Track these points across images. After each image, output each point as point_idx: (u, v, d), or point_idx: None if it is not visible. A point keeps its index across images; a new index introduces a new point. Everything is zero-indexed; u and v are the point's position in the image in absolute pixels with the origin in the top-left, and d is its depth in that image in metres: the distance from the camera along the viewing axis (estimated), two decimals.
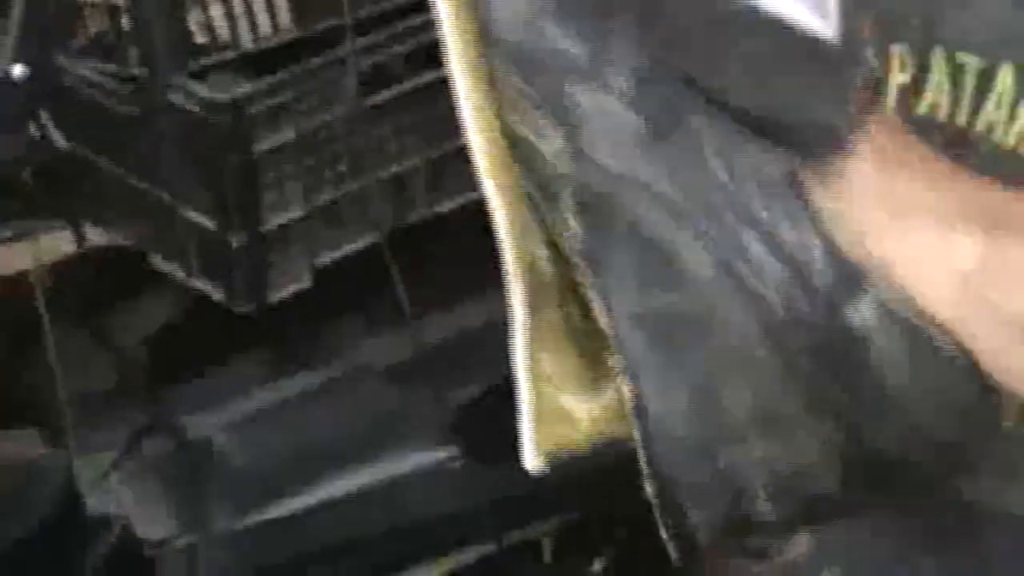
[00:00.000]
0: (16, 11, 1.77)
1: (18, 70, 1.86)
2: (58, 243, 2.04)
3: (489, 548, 2.07)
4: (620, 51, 1.18)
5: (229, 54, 1.87)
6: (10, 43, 1.78)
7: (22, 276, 2.03)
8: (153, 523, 1.96)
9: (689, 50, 1.17)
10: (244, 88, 1.79)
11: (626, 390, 1.18)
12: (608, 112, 1.19)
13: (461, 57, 1.17)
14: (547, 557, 2.12)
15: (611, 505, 2.09)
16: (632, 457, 1.31)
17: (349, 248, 1.88)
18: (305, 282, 1.87)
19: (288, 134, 1.80)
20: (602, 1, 1.17)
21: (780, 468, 1.22)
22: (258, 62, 1.85)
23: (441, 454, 1.98)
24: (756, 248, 1.16)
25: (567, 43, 1.17)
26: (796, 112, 1.16)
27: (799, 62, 1.13)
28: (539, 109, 1.16)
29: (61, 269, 2.07)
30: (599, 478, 1.78)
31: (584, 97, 1.18)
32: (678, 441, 1.19)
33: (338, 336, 2.09)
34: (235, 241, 1.83)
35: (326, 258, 1.87)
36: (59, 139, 1.93)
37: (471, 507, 2.04)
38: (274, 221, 1.83)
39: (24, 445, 1.93)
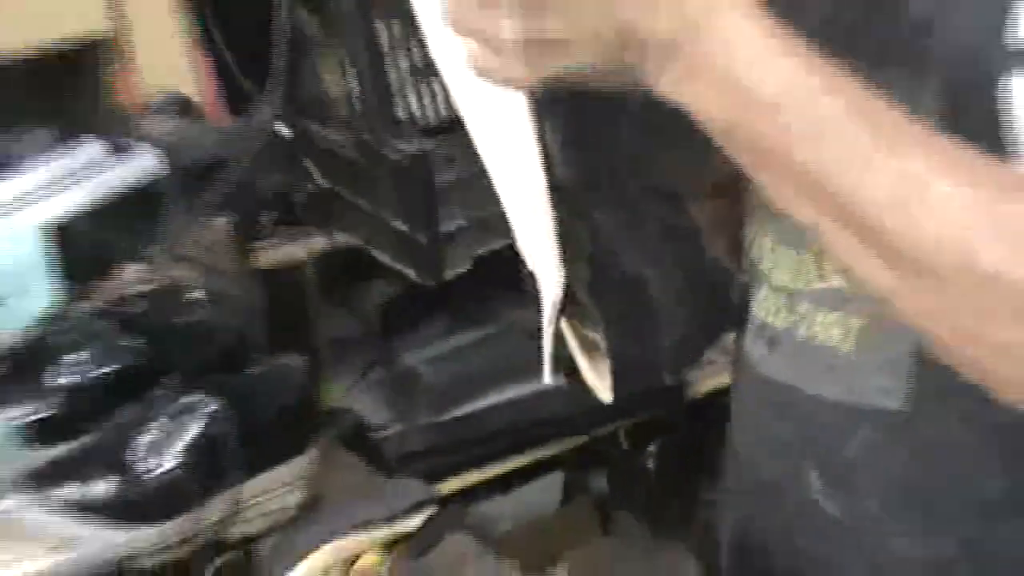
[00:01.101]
0: (278, 90, 2.10)
1: (285, 131, 2.26)
2: (318, 243, 2.46)
3: (583, 438, 2.59)
4: None
5: (418, 125, 2.31)
6: (268, 114, 2.10)
7: (297, 264, 2.45)
8: (376, 417, 2.46)
9: None
10: (427, 146, 2.28)
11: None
12: None
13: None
14: (624, 444, 2.59)
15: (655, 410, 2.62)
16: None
17: (495, 245, 2.34)
18: (466, 267, 2.35)
19: (453, 175, 2.29)
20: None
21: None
22: (436, 131, 2.30)
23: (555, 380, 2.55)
24: None
25: None
26: None
27: None
28: None
29: (319, 259, 2.49)
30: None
31: None
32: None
33: (493, 303, 2.53)
34: (422, 239, 2.32)
35: (481, 251, 2.35)
36: (317, 177, 2.40)
37: (572, 412, 2.52)
38: (446, 227, 2.32)
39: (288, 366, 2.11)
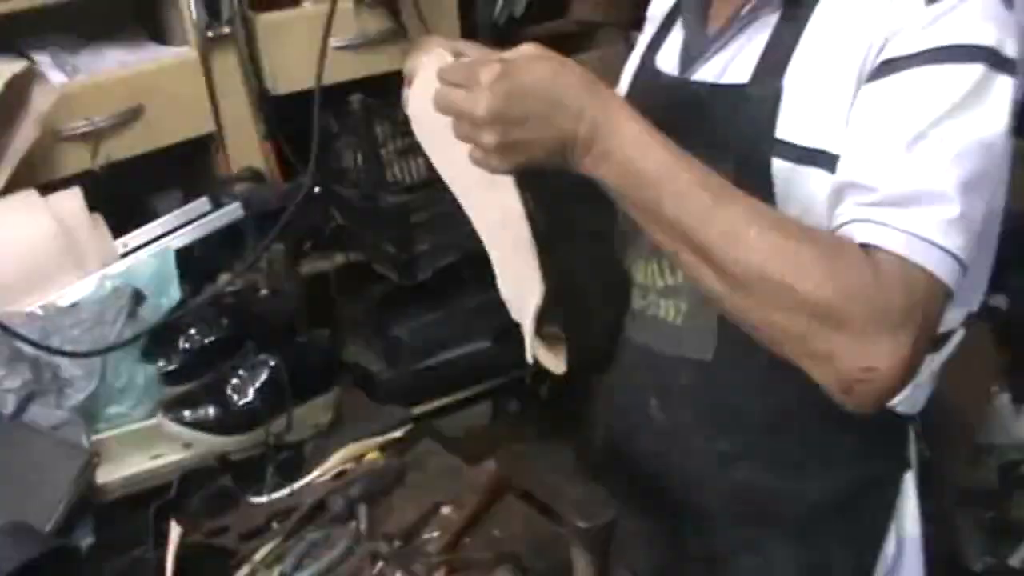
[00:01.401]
0: (312, 162, 2.08)
1: (317, 189, 2.23)
2: (339, 259, 2.44)
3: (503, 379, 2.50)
4: None
5: (401, 184, 2.30)
6: (309, 179, 2.08)
7: (326, 272, 2.40)
8: (375, 367, 2.42)
9: None
10: (406, 198, 2.31)
11: None
12: None
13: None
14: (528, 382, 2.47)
15: None
16: None
17: (449, 260, 2.36)
18: (430, 273, 2.36)
19: (425, 215, 2.31)
20: None
21: None
22: (412, 188, 2.31)
23: (489, 341, 2.44)
24: None
25: None
26: None
27: None
28: None
29: (340, 269, 2.44)
30: None
31: None
32: None
33: (448, 295, 2.43)
34: (403, 256, 2.35)
35: (440, 263, 2.37)
36: (338, 218, 2.39)
37: (497, 364, 2.45)
38: (418, 249, 2.34)
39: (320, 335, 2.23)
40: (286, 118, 2.35)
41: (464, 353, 2.50)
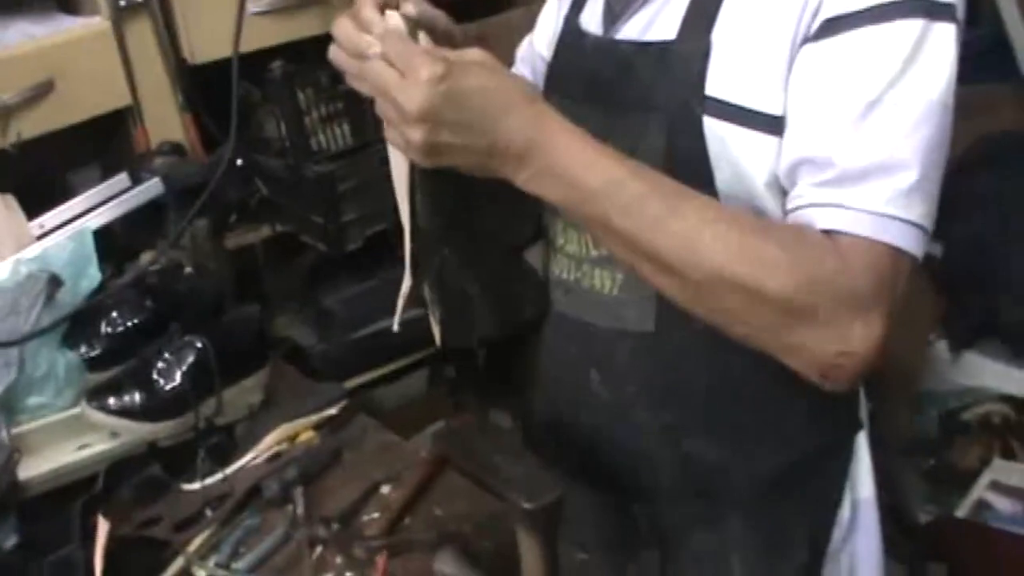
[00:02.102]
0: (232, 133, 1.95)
1: (240, 162, 2.23)
2: (265, 231, 2.42)
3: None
4: None
5: (326, 153, 2.30)
6: (230, 151, 1.95)
7: (253, 245, 2.40)
8: (306, 340, 2.44)
9: None
10: (331, 167, 2.31)
11: None
12: None
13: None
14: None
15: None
16: None
17: (377, 228, 2.36)
18: (360, 243, 2.36)
19: (350, 184, 2.32)
20: None
21: None
22: (338, 156, 2.30)
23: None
24: None
25: None
26: None
27: None
28: None
29: (267, 241, 2.44)
30: None
31: None
32: None
33: (378, 265, 2.45)
34: (330, 226, 2.34)
35: (368, 232, 2.37)
36: (263, 190, 2.37)
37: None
38: (345, 218, 2.34)
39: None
40: (206, 88, 2.29)
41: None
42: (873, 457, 1.54)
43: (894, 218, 1.16)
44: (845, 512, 1.53)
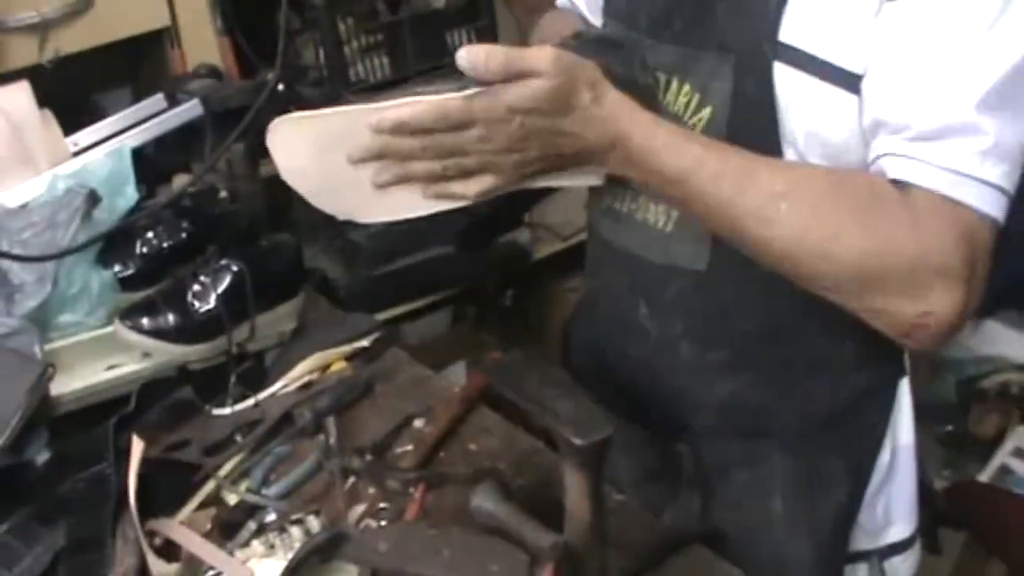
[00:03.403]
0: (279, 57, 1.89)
1: (282, 87, 2.01)
2: None
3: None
4: None
5: (365, 83, 2.29)
6: (276, 75, 1.91)
7: None
8: (334, 273, 2.44)
9: None
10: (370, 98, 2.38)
11: None
12: None
13: None
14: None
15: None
16: None
17: None
18: None
19: None
20: None
21: None
22: (377, 87, 2.30)
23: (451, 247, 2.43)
24: None
25: None
26: None
27: None
28: None
29: None
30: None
31: None
32: None
33: None
34: None
35: None
36: None
37: (457, 270, 2.49)
38: None
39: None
40: (244, 12, 2.27)
41: (425, 259, 2.48)
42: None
43: (969, 177, 1.13)
44: (885, 456, 1.52)
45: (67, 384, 1.72)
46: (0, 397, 1.59)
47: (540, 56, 1.18)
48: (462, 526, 1.39)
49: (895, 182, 1.17)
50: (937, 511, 2.38)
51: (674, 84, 1.36)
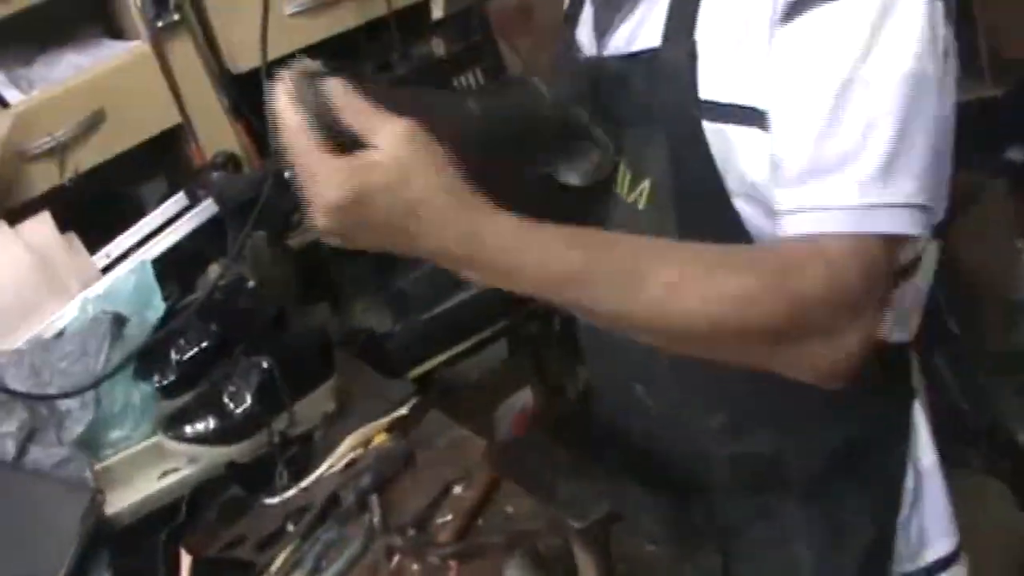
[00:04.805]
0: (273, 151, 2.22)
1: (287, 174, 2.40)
2: None
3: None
4: None
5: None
6: (271, 164, 2.16)
7: (316, 241, 2.22)
8: (384, 326, 2.44)
9: None
10: None
11: None
12: None
13: None
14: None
15: None
16: None
17: None
18: None
19: None
20: None
21: None
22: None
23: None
24: None
25: None
26: None
27: None
28: None
29: None
30: None
31: None
32: None
33: None
34: None
35: None
36: None
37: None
38: None
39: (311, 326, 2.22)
40: (255, 94, 2.20)
41: (468, 297, 2.47)
42: (962, 374, 1.59)
43: (873, 206, 1.10)
44: (909, 482, 1.48)
45: (123, 499, 1.79)
46: (56, 530, 1.65)
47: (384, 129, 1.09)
48: None
49: (804, 237, 1.13)
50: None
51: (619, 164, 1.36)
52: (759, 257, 1.16)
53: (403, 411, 1.91)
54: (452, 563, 1.59)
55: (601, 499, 1.33)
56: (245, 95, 2.27)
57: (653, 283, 1.10)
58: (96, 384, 1.75)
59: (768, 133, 1.18)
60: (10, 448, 1.74)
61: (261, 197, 1.93)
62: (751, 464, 1.48)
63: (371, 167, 1.07)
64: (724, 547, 1.54)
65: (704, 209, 1.27)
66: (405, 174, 1.07)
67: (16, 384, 1.76)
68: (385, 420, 1.89)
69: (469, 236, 1.09)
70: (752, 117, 1.20)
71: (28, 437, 1.75)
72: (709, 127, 1.25)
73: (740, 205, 1.27)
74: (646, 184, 1.33)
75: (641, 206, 1.34)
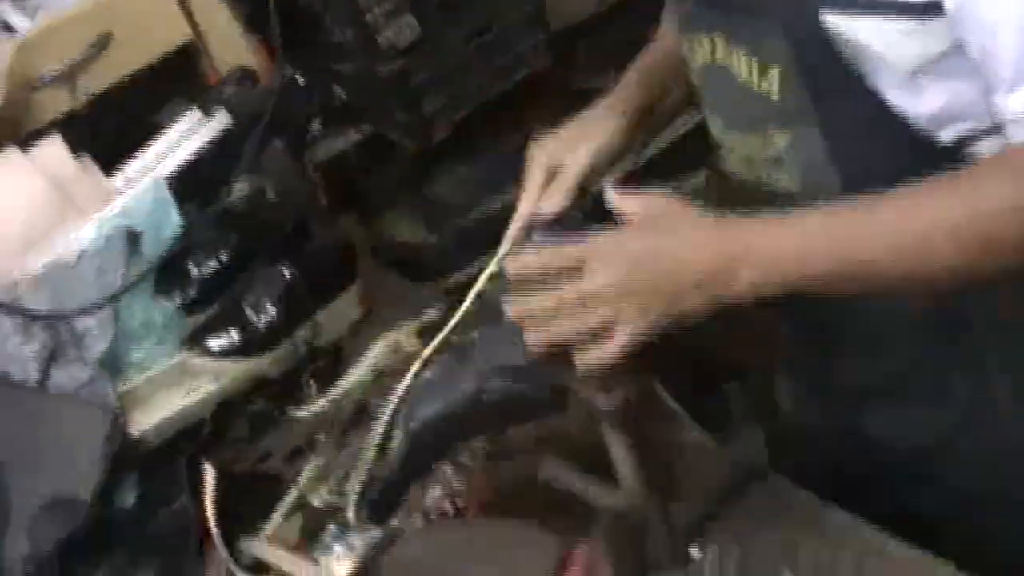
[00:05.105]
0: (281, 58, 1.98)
1: (300, 80, 2.07)
2: (353, 135, 2.39)
3: None
4: None
5: (396, 48, 2.20)
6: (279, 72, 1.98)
7: (342, 152, 2.36)
8: (417, 237, 2.39)
9: None
10: (402, 63, 2.22)
11: None
12: None
13: None
14: None
15: None
16: None
17: (464, 113, 2.29)
18: (448, 132, 2.31)
19: (427, 75, 2.22)
20: None
21: None
22: (408, 50, 2.21)
23: None
24: None
25: None
26: None
27: None
28: None
29: (362, 145, 2.39)
30: None
31: None
32: None
33: (476, 146, 2.40)
34: (412, 122, 2.28)
35: (456, 118, 2.30)
36: (342, 95, 2.35)
37: None
38: (428, 110, 2.27)
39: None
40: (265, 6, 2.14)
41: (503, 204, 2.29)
42: None
43: None
44: None
45: (149, 419, 1.76)
46: (80, 451, 1.64)
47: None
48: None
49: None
50: None
51: (734, 52, 1.30)
52: (995, 170, 1.11)
53: (433, 315, 1.83)
54: (485, 463, 1.58)
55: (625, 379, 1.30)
56: (260, 8, 2.13)
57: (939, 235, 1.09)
58: (114, 298, 1.71)
59: (914, 22, 1.14)
60: (33, 371, 1.72)
61: (271, 105, 1.89)
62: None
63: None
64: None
65: (834, 91, 1.23)
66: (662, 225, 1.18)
67: (36, 307, 1.73)
68: (412, 325, 1.82)
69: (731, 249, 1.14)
70: (892, 8, 1.15)
71: (51, 358, 1.72)
72: (832, 20, 1.19)
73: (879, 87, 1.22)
74: (775, 73, 1.26)
75: (775, 97, 1.27)
